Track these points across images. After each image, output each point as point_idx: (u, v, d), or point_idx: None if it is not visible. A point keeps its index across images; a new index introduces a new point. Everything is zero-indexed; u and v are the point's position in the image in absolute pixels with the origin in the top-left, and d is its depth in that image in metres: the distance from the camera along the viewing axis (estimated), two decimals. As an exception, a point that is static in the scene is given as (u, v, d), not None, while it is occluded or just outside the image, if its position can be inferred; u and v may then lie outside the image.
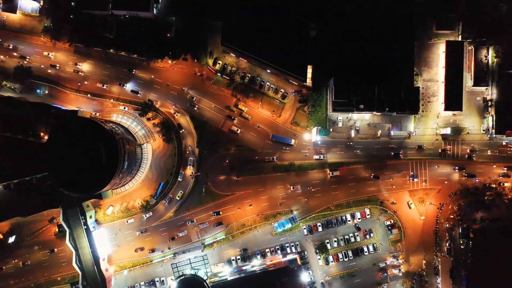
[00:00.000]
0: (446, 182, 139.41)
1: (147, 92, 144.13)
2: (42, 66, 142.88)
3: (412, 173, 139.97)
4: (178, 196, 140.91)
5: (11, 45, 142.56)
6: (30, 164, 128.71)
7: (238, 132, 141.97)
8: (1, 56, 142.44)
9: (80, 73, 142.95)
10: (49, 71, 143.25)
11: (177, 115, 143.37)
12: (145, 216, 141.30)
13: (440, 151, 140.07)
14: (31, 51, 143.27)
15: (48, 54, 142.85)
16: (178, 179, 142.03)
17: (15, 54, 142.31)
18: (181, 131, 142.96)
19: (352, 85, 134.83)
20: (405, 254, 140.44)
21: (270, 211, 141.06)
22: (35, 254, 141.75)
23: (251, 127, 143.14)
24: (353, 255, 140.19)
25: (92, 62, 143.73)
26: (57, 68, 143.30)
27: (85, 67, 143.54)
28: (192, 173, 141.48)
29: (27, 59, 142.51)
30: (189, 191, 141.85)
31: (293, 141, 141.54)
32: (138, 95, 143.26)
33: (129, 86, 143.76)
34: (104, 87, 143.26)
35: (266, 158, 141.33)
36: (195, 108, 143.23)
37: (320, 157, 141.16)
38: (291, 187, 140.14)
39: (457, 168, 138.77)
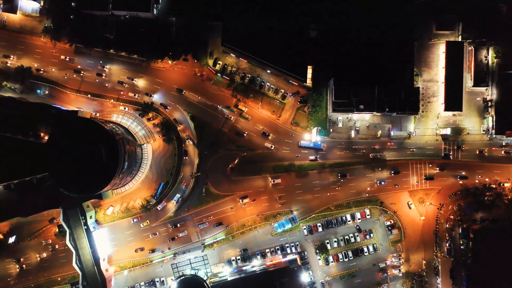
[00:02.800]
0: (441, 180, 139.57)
1: (175, 109, 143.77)
2: (97, 81, 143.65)
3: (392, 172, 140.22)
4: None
5: (68, 57, 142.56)
6: (30, 164, 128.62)
7: (272, 148, 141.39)
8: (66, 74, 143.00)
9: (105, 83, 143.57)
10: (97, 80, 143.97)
11: (188, 141, 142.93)
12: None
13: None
14: (87, 63, 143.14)
15: (103, 67, 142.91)
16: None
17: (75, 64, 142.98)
18: (185, 158, 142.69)
19: (352, 85, 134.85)
20: (405, 255, 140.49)
21: (270, 211, 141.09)
22: (35, 254, 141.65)
23: (252, 127, 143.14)
24: (353, 255, 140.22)
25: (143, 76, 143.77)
26: (103, 76, 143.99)
27: (140, 82, 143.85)
28: (192, 173, 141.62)
29: (82, 73, 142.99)
30: (189, 191, 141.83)
31: (323, 145, 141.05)
32: (167, 109, 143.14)
33: (156, 98, 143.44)
34: (136, 96, 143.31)
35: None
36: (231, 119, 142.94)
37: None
38: (272, 180, 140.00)
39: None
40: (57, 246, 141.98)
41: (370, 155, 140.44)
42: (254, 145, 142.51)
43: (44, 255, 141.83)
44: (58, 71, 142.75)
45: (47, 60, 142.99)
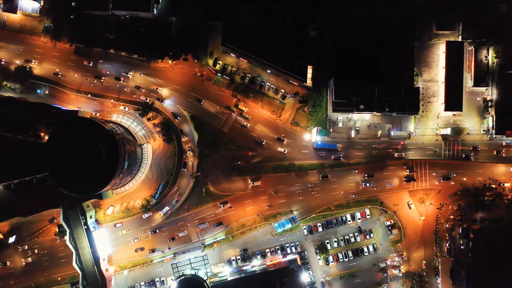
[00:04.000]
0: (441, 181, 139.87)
1: (185, 122, 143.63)
2: (117, 86, 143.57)
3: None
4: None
5: (91, 63, 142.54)
6: (30, 164, 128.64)
7: (286, 152, 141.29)
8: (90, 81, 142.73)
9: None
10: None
11: (189, 153, 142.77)
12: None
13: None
14: (116, 70, 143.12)
15: (127, 73, 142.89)
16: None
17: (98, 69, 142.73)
18: (183, 170, 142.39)
19: (352, 85, 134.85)
20: (405, 255, 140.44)
21: (270, 211, 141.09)
22: (35, 254, 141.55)
23: (252, 127, 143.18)
24: (353, 255, 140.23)
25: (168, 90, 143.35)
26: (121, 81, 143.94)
27: (164, 92, 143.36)
28: (192, 173, 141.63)
29: (103, 80, 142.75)
30: (189, 191, 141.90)
31: (338, 146, 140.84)
32: (177, 119, 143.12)
33: (167, 103, 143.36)
34: (148, 100, 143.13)
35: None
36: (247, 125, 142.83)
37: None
38: (251, 182, 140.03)
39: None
40: (57, 246, 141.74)
41: (396, 154, 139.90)
42: (255, 145, 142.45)
43: (44, 254, 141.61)
44: (80, 76, 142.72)
45: (65, 64, 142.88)
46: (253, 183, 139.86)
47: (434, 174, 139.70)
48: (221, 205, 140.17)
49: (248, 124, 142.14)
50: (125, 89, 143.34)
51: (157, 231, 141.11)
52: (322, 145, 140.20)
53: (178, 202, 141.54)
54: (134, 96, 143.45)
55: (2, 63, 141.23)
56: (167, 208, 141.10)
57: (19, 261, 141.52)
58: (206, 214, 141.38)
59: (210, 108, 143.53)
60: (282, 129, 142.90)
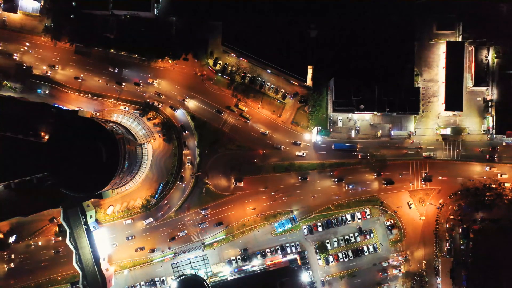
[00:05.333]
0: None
1: (191, 137, 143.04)
2: (138, 91, 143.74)
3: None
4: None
5: (116, 69, 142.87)
6: (30, 164, 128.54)
7: (304, 155, 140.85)
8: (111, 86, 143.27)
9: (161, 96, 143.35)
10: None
11: (188, 165, 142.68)
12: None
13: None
14: (136, 75, 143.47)
15: (153, 81, 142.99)
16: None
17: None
18: (178, 183, 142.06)
19: (353, 85, 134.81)
20: (405, 254, 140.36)
21: (270, 211, 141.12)
22: (35, 254, 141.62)
23: (252, 127, 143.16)
24: (353, 255, 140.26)
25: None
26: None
27: (191, 103, 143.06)
28: (192, 173, 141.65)
29: (123, 86, 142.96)
30: (189, 191, 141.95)
31: (358, 146, 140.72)
32: (184, 132, 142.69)
33: (179, 113, 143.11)
34: (160, 106, 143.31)
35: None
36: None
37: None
38: (234, 182, 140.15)
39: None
40: (57, 246, 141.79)
41: (424, 154, 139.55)
42: (256, 145, 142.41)
43: (44, 254, 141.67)
44: (104, 82, 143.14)
45: (84, 68, 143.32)
46: (236, 183, 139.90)
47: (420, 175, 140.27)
48: (235, 182, 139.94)
49: (267, 132, 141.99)
50: (144, 94, 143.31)
51: (133, 236, 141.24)
52: (341, 146, 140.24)
53: (163, 216, 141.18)
54: (148, 100, 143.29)
55: (49, 74, 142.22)
56: (151, 219, 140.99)
57: (19, 261, 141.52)
58: (218, 209, 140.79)
59: (210, 108, 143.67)
60: (282, 129, 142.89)
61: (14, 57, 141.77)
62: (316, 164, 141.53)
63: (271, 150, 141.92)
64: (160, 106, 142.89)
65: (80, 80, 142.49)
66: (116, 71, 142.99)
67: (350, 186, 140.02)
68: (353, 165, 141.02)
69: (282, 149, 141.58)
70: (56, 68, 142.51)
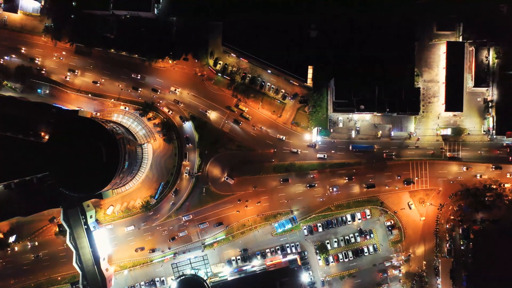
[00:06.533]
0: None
1: (192, 151, 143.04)
2: (154, 97, 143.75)
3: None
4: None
5: (139, 75, 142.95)
6: (30, 163, 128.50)
7: (326, 157, 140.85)
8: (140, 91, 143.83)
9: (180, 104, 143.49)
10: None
11: (185, 175, 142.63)
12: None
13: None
14: (159, 83, 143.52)
15: (175, 90, 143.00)
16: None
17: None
18: (172, 195, 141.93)
19: (353, 85, 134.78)
20: (405, 255, 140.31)
21: (271, 211, 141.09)
22: (35, 254, 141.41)
23: (252, 127, 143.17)
24: (353, 255, 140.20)
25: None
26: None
27: (213, 115, 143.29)
28: (192, 173, 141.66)
29: (140, 91, 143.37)
30: (189, 191, 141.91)
31: (375, 147, 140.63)
32: (188, 145, 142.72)
33: (187, 125, 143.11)
34: (170, 113, 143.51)
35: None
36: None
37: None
38: (225, 177, 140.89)
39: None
40: (57, 246, 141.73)
41: (448, 154, 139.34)
42: (256, 145, 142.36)
43: (44, 254, 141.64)
44: (123, 86, 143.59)
45: (102, 72, 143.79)
46: (226, 178, 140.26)
47: (398, 177, 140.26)
48: (225, 178, 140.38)
49: (284, 137, 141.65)
50: (160, 101, 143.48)
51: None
52: (360, 147, 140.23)
53: (144, 226, 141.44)
54: (162, 106, 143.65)
55: (43, 72, 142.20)
56: (132, 227, 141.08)
57: (19, 261, 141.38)
58: (218, 209, 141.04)
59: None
60: (282, 129, 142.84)
61: (36, 61, 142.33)
62: (316, 165, 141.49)
63: (288, 153, 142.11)
64: (170, 113, 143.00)
65: (98, 85, 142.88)
66: (139, 77, 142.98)
67: (335, 188, 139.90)
68: (353, 165, 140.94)
69: (299, 152, 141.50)
70: (76, 73, 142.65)
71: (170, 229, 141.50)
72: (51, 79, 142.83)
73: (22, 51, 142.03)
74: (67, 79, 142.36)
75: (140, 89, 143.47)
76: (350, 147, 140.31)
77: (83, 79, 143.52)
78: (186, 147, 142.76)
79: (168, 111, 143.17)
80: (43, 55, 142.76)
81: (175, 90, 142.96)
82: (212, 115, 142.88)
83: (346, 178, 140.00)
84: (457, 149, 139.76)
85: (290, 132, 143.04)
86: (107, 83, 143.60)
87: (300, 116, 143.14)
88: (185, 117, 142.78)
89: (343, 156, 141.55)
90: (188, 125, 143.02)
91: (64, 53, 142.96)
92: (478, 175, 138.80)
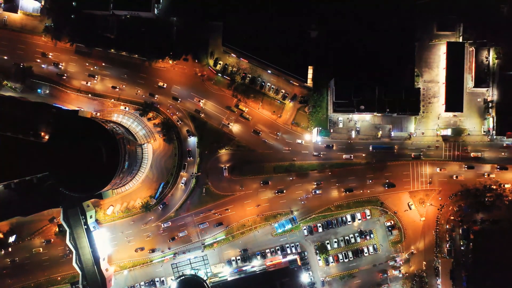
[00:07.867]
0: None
1: (192, 165, 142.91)
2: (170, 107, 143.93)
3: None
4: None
5: (165, 84, 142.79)
6: (30, 163, 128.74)
7: (352, 158, 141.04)
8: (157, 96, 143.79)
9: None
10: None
11: (181, 186, 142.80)
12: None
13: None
14: (185, 94, 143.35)
15: (199, 100, 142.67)
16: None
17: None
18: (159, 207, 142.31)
19: (353, 85, 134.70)
20: (405, 255, 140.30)
21: (271, 211, 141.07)
22: (35, 254, 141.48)
23: (252, 128, 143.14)
24: (353, 256, 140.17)
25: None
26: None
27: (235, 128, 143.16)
28: (192, 173, 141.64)
29: (156, 97, 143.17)
30: (189, 191, 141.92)
31: (396, 147, 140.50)
32: (189, 158, 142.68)
33: (192, 140, 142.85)
34: (179, 122, 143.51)
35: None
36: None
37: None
38: (224, 167, 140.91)
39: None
40: (57, 246, 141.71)
41: (472, 154, 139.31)
42: (255, 145, 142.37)
43: (44, 254, 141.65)
44: (142, 93, 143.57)
45: (119, 77, 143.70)
46: (225, 168, 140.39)
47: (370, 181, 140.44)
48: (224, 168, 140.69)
49: (300, 141, 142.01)
50: (177, 113, 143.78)
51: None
52: (379, 147, 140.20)
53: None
54: (170, 112, 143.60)
55: (64, 77, 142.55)
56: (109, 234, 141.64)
57: (19, 261, 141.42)
58: (218, 209, 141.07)
59: (213, 109, 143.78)
60: (283, 129, 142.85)
61: (60, 66, 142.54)
62: (316, 165, 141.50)
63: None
64: (179, 123, 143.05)
65: (117, 90, 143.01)
66: (165, 86, 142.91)
67: (317, 192, 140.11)
68: (354, 166, 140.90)
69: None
70: (96, 78, 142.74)
71: (165, 230, 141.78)
72: (51, 79, 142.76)
73: (49, 56, 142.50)
74: (88, 84, 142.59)
75: (157, 95, 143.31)
76: (370, 148, 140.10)
77: (104, 84, 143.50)
78: (187, 160, 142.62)
79: (178, 121, 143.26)
80: (66, 60, 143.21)
81: (199, 101, 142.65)
82: (234, 127, 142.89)
83: (316, 184, 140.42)
84: (459, 149, 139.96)
85: (290, 132, 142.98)
86: (126, 89, 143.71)
87: (300, 116, 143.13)
88: (192, 132, 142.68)
89: (364, 157, 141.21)
90: (192, 140, 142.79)
91: (92, 61, 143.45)
92: (486, 174, 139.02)
